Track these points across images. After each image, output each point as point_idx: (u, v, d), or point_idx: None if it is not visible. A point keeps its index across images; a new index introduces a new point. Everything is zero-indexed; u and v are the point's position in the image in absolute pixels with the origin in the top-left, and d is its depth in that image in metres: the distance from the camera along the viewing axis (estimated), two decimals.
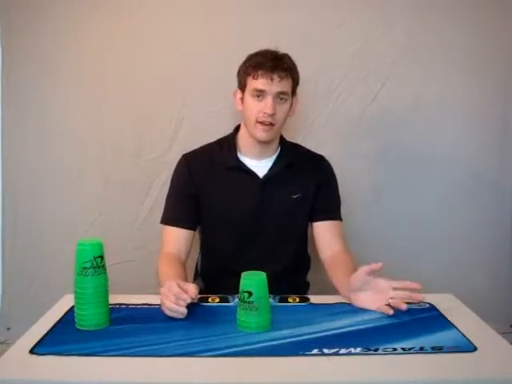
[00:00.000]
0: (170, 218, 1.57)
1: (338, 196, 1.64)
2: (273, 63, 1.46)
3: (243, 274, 1.19)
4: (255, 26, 1.91)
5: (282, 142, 1.63)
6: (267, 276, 1.20)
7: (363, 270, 1.29)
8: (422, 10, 1.95)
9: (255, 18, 1.92)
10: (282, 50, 1.51)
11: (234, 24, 1.93)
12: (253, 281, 1.18)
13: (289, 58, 1.51)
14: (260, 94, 1.47)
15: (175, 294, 1.22)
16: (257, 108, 1.48)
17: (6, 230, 2.01)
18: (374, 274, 1.29)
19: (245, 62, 1.52)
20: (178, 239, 1.54)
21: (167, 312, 1.24)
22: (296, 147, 1.68)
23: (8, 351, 1.10)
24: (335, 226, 1.59)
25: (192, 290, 1.23)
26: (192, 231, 1.57)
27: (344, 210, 1.63)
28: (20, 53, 1.94)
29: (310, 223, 1.62)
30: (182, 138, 1.96)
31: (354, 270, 1.34)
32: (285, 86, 1.47)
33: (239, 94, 1.55)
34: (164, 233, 1.56)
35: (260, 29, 1.89)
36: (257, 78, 1.46)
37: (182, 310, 1.21)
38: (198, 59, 1.93)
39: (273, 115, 1.47)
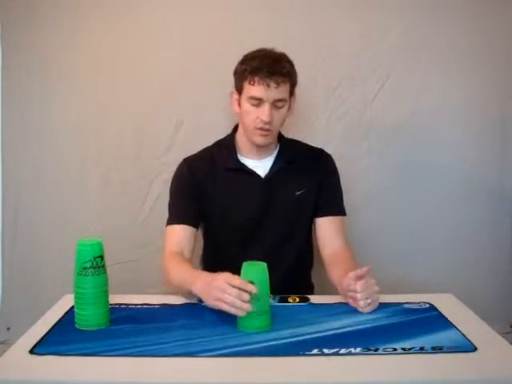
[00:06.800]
0: (172, 217, 1.54)
1: (341, 190, 1.62)
2: (269, 68, 1.41)
3: (244, 264, 1.18)
4: (255, 26, 1.90)
5: (281, 139, 1.61)
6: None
7: (350, 277, 1.29)
8: (422, 10, 1.95)
9: (255, 18, 1.91)
10: (282, 50, 1.48)
11: (233, 24, 1.92)
12: (253, 270, 1.18)
13: (286, 59, 1.47)
14: (257, 101, 1.44)
15: (238, 285, 1.15)
16: (254, 115, 1.45)
17: (5, 229, 2.01)
18: (361, 278, 1.28)
19: (241, 64, 1.48)
20: (180, 236, 1.50)
21: (226, 308, 1.17)
22: (295, 143, 1.66)
23: (8, 351, 1.11)
24: (337, 222, 1.57)
25: (252, 286, 1.16)
26: (194, 229, 1.53)
27: None
28: (20, 53, 1.94)
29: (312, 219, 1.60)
30: (181, 138, 1.95)
31: (354, 266, 1.35)
32: (282, 91, 1.44)
33: (236, 96, 1.51)
34: (167, 233, 1.53)
35: (260, 29, 1.89)
36: (253, 84, 1.43)
37: (246, 307, 1.15)
38: (197, 60, 1.93)
39: (270, 122, 1.45)
